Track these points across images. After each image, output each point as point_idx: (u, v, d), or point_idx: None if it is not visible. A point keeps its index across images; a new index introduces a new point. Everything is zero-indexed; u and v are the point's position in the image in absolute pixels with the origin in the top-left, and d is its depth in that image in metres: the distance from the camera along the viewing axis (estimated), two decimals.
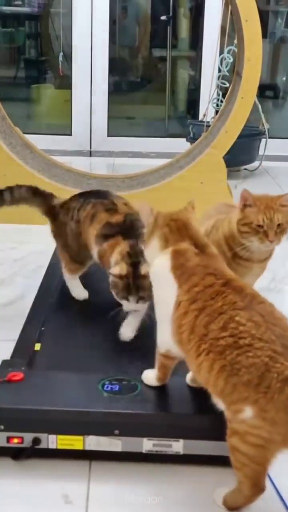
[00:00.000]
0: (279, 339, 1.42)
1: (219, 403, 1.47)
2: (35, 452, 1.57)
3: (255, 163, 4.52)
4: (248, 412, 1.40)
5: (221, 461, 1.55)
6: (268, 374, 1.38)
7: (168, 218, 1.67)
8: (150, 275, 1.67)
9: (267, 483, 1.45)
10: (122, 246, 2.01)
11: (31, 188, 2.36)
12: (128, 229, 2.06)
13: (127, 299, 1.96)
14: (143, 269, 1.92)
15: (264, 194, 1.96)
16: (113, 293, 1.98)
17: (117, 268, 1.95)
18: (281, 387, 1.37)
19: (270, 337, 1.42)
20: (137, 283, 1.93)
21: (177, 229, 1.64)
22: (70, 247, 2.24)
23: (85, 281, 2.27)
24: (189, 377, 1.67)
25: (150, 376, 1.68)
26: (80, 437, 1.57)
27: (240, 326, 1.44)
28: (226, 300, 1.49)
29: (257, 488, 1.44)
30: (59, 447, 1.57)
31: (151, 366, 1.68)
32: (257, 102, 3.92)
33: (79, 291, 2.27)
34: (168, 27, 5.74)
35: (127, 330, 2.00)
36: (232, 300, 1.49)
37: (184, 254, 1.58)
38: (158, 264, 1.59)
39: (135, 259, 1.95)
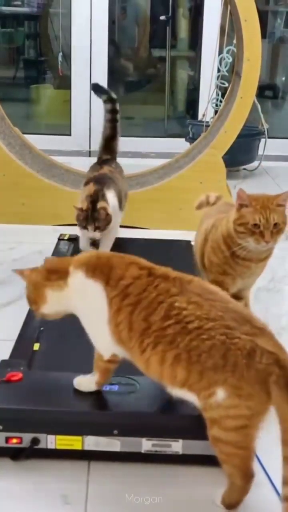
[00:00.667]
0: (226, 314, 1.43)
1: (182, 393, 1.47)
2: (34, 452, 1.57)
3: (255, 163, 4.52)
4: (220, 393, 1.40)
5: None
6: (231, 352, 1.39)
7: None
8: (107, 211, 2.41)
9: (266, 483, 1.45)
10: (90, 188, 2.60)
11: None
12: (99, 178, 2.69)
13: (87, 228, 2.55)
14: (99, 205, 2.53)
15: (260, 194, 1.95)
16: (77, 224, 2.59)
17: (79, 204, 2.56)
18: (247, 363, 1.38)
19: (217, 314, 1.43)
20: (94, 215, 2.52)
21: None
22: None
23: None
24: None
25: (86, 383, 1.64)
26: (79, 437, 1.56)
27: (183, 311, 1.44)
28: (159, 289, 1.49)
29: (248, 475, 1.44)
30: (58, 447, 1.57)
31: None
32: (256, 102, 3.92)
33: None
34: (167, 27, 5.74)
35: None
36: (165, 288, 1.48)
37: (92, 257, 1.60)
38: (74, 279, 1.58)
39: (95, 198, 2.55)
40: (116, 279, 1.53)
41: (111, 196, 2.64)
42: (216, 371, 1.39)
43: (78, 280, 1.57)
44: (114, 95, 3.00)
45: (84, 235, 2.68)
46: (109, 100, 2.97)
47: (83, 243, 2.73)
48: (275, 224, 1.88)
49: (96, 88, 3.09)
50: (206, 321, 1.42)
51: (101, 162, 2.92)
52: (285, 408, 1.37)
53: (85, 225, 2.56)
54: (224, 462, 1.45)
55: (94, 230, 2.55)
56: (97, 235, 2.58)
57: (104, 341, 1.57)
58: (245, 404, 1.38)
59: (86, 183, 2.70)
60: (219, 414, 1.40)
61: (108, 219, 2.57)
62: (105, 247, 2.70)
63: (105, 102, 2.98)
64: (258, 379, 1.38)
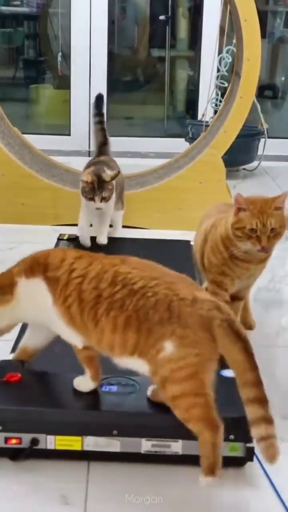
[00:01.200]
0: (166, 276, 1.53)
1: (132, 363, 1.52)
2: (34, 453, 1.57)
3: (254, 163, 4.52)
4: (169, 346, 1.45)
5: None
6: (174, 304, 1.46)
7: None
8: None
9: (265, 483, 1.45)
10: (91, 168, 2.83)
11: None
12: (99, 161, 2.98)
13: (94, 200, 2.75)
14: (104, 176, 2.75)
15: (258, 197, 1.94)
16: (83, 197, 2.80)
17: (84, 176, 2.76)
18: (191, 311, 1.45)
19: (158, 275, 1.52)
20: (100, 186, 2.73)
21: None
22: None
23: None
24: (150, 390, 1.62)
25: (83, 382, 1.64)
26: (79, 438, 1.56)
27: (128, 274, 1.52)
28: (102, 263, 1.57)
29: (214, 425, 1.45)
30: (58, 447, 1.57)
31: None
32: (256, 102, 3.92)
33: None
34: (167, 27, 5.74)
35: (102, 238, 2.89)
36: (108, 261, 1.58)
37: (27, 259, 1.68)
38: (19, 287, 1.65)
39: (98, 171, 2.78)
40: (56, 262, 1.60)
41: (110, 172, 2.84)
42: (163, 325, 1.46)
43: (21, 286, 1.64)
44: (103, 111, 3.27)
45: (88, 213, 2.86)
46: (99, 115, 3.22)
47: (83, 237, 2.87)
48: (272, 229, 1.87)
49: (99, 100, 3.28)
50: (150, 279, 1.50)
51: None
52: (233, 351, 1.45)
53: (92, 196, 2.76)
54: (188, 421, 1.47)
55: (101, 201, 2.75)
56: (103, 205, 2.77)
57: (64, 331, 1.61)
58: (193, 352, 1.44)
59: (87, 167, 2.95)
60: (170, 368, 1.45)
61: (112, 190, 2.79)
62: (106, 224, 2.92)
63: (95, 115, 3.23)
64: (202, 326, 1.45)
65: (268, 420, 1.43)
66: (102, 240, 2.90)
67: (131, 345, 1.49)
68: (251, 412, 1.43)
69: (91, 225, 2.94)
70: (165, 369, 1.45)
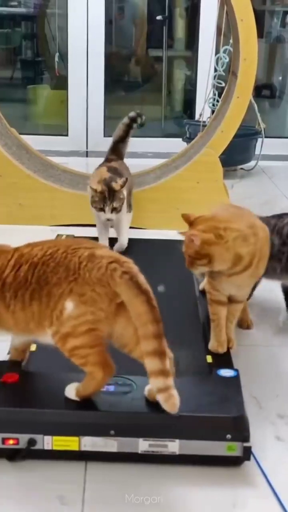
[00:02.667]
0: (68, 243, 1.59)
1: (41, 336, 1.58)
2: (31, 453, 1.57)
3: (252, 163, 4.52)
4: (69, 305, 1.51)
5: (217, 461, 1.56)
6: (71, 262, 1.52)
7: None
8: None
9: (262, 482, 1.45)
10: (101, 173, 2.73)
11: None
12: (111, 167, 2.84)
13: (104, 210, 2.64)
14: (114, 185, 2.63)
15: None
16: (93, 207, 2.68)
17: (94, 184, 2.64)
18: (88, 266, 1.51)
19: (56, 243, 1.59)
20: (111, 196, 2.62)
21: None
22: None
23: None
24: (147, 389, 1.63)
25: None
26: (76, 438, 1.56)
27: (30, 251, 1.58)
28: (8, 252, 1.63)
29: (108, 366, 1.55)
30: (55, 448, 1.57)
31: None
32: (253, 101, 3.92)
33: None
34: (164, 27, 5.74)
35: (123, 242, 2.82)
36: (16, 249, 1.64)
37: None
38: None
39: (109, 181, 2.65)
40: None
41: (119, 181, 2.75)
42: (61, 284, 1.51)
43: None
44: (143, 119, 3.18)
45: (99, 222, 2.78)
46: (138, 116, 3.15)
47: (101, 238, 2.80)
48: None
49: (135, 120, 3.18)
50: (48, 248, 1.57)
51: (108, 162, 3.05)
52: (135, 304, 1.49)
53: (102, 207, 2.65)
54: (84, 365, 1.56)
55: (111, 212, 2.65)
56: (113, 216, 2.67)
57: None
58: (90, 310, 1.50)
59: (98, 168, 2.88)
60: (71, 325, 1.51)
61: (123, 199, 2.70)
62: (123, 232, 2.86)
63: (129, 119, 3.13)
64: (101, 280, 1.50)
65: (166, 373, 1.49)
66: (121, 247, 2.83)
67: (37, 315, 1.55)
68: (150, 364, 1.49)
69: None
70: (67, 326, 1.52)
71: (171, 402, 1.49)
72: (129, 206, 2.99)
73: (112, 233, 2.90)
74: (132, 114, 3.14)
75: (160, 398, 1.50)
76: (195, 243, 1.80)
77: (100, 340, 1.54)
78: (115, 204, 2.65)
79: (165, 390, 1.49)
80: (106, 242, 2.80)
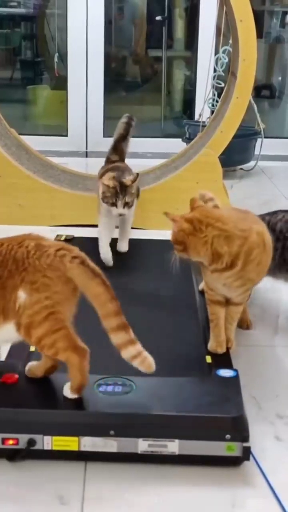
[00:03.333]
0: (6, 238, 1.64)
1: (6, 333, 1.60)
2: (31, 453, 1.57)
3: (251, 163, 4.52)
4: (22, 295, 1.54)
5: (217, 461, 1.56)
6: (18, 254, 1.56)
7: None
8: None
9: (262, 482, 1.45)
10: (109, 174, 2.71)
11: None
12: (117, 167, 2.88)
13: (116, 205, 2.64)
14: (125, 181, 2.65)
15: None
16: (104, 202, 2.66)
17: (106, 180, 2.63)
18: (37, 254, 1.55)
19: (10, 239, 1.64)
20: (123, 190, 2.63)
21: None
22: None
23: None
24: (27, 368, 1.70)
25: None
26: (76, 438, 1.57)
27: None
28: None
29: (79, 349, 1.58)
30: (55, 448, 1.57)
31: None
32: (252, 102, 3.92)
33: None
34: (164, 28, 5.74)
35: (124, 245, 2.81)
36: None
37: None
38: None
39: (120, 176, 2.68)
40: None
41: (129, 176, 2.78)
42: (13, 277, 1.54)
43: None
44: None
45: (109, 226, 2.77)
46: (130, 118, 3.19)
47: (105, 255, 2.67)
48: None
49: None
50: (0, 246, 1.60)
51: (110, 162, 3.06)
52: (91, 286, 1.54)
53: (114, 202, 2.65)
54: (56, 355, 1.59)
55: (124, 206, 2.66)
56: (125, 211, 2.68)
57: None
58: (44, 295, 1.53)
59: (102, 175, 2.84)
60: (28, 314, 1.54)
61: (135, 194, 2.73)
62: (127, 231, 2.87)
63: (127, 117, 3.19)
64: (51, 266, 1.54)
65: (133, 341, 1.57)
66: (123, 247, 2.84)
67: (2, 312, 1.57)
68: (117, 338, 1.55)
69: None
70: (25, 316, 1.55)
71: (147, 363, 1.57)
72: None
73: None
74: (127, 114, 3.19)
75: (136, 363, 1.57)
76: (173, 228, 1.87)
77: (63, 323, 1.57)
78: (127, 199, 2.66)
79: (138, 355, 1.57)
80: (107, 241, 2.73)
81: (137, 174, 2.76)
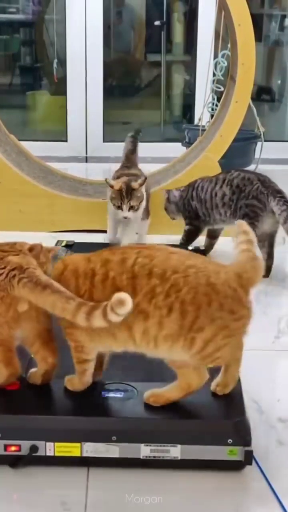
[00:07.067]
0: None
1: None
2: (33, 460, 1.57)
3: (251, 167, 4.52)
4: None
5: (219, 466, 1.56)
6: None
7: None
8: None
9: (265, 487, 1.45)
10: (121, 179, 2.76)
11: None
12: (128, 174, 2.91)
13: (121, 208, 2.69)
14: (132, 184, 2.70)
15: None
16: (111, 204, 2.74)
17: (113, 183, 2.71)
18: None
19: None
20: (128, 194, 2.68)
21: None
22: None
23: None
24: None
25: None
26: (78, 444, 1.56)
27: None
28: None
29: (11, 365, 1.62)
30: (57, 454, 1.57)
31: (149, 372, 1.69)
32: (252, 105, 3.92)
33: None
34: (162, 32, 5.76)
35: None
36: None
37: None
38: None
39: (127, 180, 2.73)
40: None
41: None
42: None
43: None
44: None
45: (115, 223, 2.85)
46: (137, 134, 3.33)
47: (111, 232, 2.87)
48: None
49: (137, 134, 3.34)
50: None
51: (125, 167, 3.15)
52: (44, 297, 1.50)
53: (119, 205, 2.70)
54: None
55: (129, 210, 2.70)
56: (130, 214, 2.71)
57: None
58: None
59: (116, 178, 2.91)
60: None
61: (141, 198, 2.73)
62: (129, 234, 2.90)
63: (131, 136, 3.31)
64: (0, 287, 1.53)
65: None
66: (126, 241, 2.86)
67: None
68: (93, 318, 1.47)
69: None
70: None
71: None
72: (147, 212, 2.99)
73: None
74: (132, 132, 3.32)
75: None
76: None
77: (7, 342, 1.60)
78: (132, 203, 2.68)
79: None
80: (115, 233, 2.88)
81: (145, 177, 2.78)
